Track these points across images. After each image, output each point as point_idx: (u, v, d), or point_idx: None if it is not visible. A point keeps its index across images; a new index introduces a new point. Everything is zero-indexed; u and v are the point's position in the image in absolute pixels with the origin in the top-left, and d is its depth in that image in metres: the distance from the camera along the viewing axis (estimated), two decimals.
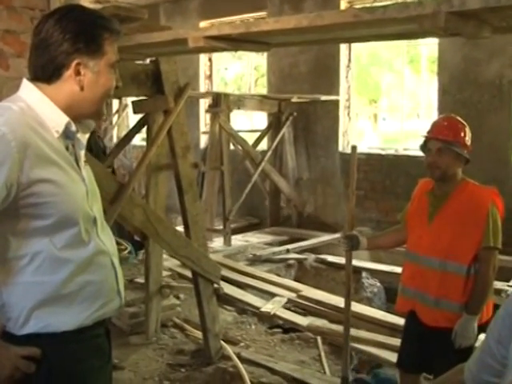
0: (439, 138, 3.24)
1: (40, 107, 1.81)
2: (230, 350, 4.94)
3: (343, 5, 9.05)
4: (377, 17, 2.17)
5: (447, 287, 3.24)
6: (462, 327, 3.19)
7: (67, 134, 1.85)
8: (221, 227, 9.05)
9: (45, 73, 1.82)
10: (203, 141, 11.20)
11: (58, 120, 1.82)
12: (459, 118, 3.39)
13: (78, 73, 1.82)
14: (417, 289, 3.36)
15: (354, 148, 3.91)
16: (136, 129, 5.31)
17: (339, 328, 5.36)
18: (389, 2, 7.89)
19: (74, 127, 1.86)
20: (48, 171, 1.75)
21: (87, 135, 1.99)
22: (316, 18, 2.34)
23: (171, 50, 3.72)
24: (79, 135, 1.92)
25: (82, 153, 1.94)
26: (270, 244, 8.94)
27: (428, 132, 3.35)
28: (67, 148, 1.87)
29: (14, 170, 1.68)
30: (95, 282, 1.89)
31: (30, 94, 1.82)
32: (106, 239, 1.97)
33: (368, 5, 8.46)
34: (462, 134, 3.28)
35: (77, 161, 1.91)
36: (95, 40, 1.82)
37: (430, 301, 3.28)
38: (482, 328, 3.34)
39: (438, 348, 3.33)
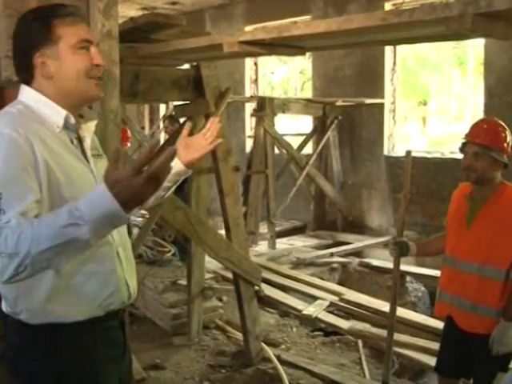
0: (476, 142, 3.19)
1: (37, 106, 1.90)
2: (269, 351, 4.97)
3: (388, 7, 9.01)
4: (404, 19, 2.18)
5: (485, 292, 3.19)
6: (500, 333, 3.14)
7: (68, 127, 1.93)
8: (266, 231, 9.10)
9: (23, 77, 1.95)
10: (249, 145, 11.28)
11: (56, 115, 1.91)
12: (500, 122, 3.32)
13: (43, 65, 1.90)
14: (454, 294, 3.32)
15: (408, 153, 3.85)
16: (178, 132, 5.41)
17: (381, 332, 5.34)
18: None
19: (72, 119, 1.93)
20: (55, 164, 1.82)
21: (93, 127, 2.06)
22: (345, 21, 2.36)
23: (208, 55, 3.78)
24: (84, 127, 2.01)
25: (87, 145, 2.01)
26: (315, 247, 8.95)
27: (466, 135, 3.31)
28: (72, 141, 1.95)
29: (32, 164, 1.76)
30: (101, 272, 1.94)
31: (27, 95, 1.93)
32: (116, 231, 1.95)
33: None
34: (501, 139, 3.21)
35: (84, 153, 1.98)
36: (44, 29, 1.89)
37: (468, 306, 3.24)
38: None
39: (476, 354, 3.29)
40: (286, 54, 3.39)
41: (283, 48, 3.13)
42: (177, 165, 2.23)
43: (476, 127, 3.32)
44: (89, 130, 2.04)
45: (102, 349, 1.98)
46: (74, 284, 1.89)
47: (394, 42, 3.60)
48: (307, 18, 10.31)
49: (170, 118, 8.72)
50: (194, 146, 2.28)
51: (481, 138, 3.18)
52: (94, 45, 1.97)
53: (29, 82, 1.94)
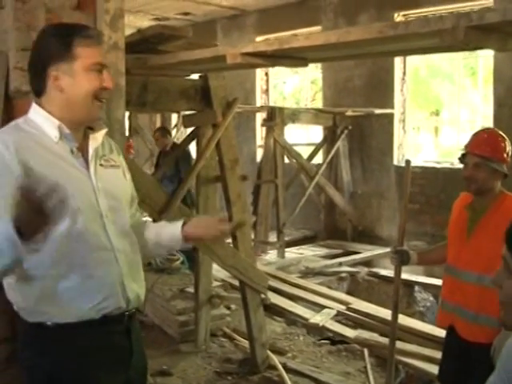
0: (476, 153, 3.20)
1: (37, 119, 2.03)
2: (275, 359, 5.00)
3: (397, 17, 9.07)
4: (400, 32, 2.23)
5: (486, 302, 3.20)
6: (501, 343, 3.15)
7: (66, 137, 2.03)
8: (275, 240, 9.14)
9: (35, 87, 2.06)
10: (260, 154, 11.34)
11: (51, 126, 2.02)
12: (500, 132, 3.33)
13: (56, 78, 2.00)
14: (456, 303, 3.32)
15: (407, 162, 3.87)
16: (187, 142, 5.50)
17: (386, 341, 5.34)
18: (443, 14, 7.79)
19: (66, 130, 2.02)
20: (39, 170, 1.91)
21: (100, 137, 2.14)
22: (343, 34, 2.42)
23: (214, 66, 3.86)
24: (92, 137, 2.10)
25: (90, 152, 2.09)
26: (324, 257, 8.97)
27: (466, 145, 3.33)
28: (72, 151, 2.04)
29: (16, 173, 1.85)
30: (95, 277, 1.99)
31: (32, 111, 2.06)
32: (115, 236, 2.06)
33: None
34: (501, 149, 3.22)
35: (87, 160, 2.07)
36: (64, 45, 2.00)
37: (469, 315, 3.24)
38: None
39: (478, 363, 3.28)
40: (289, 65, 3.45)
41: (286, 59, 3.19)
42: (175, 230, 2.26)
43: (475, 138, 3.31)
44: (96, 140, 2.12)
45: (98, 352, 2.01)
46: (67, 287, 1.95)
47: (394, 54, 3.65)
48: (318, 28, 10.38)
49: (161, 130, 8.81)
50: (203, 225, 2.29)
51: (481, 149, 3.19)
52: (106, 68, 2.07)
53: (40, 92, 2.04)
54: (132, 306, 2.13)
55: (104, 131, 2.17)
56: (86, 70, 2.01)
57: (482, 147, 3.20)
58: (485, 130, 3.55)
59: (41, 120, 2.02)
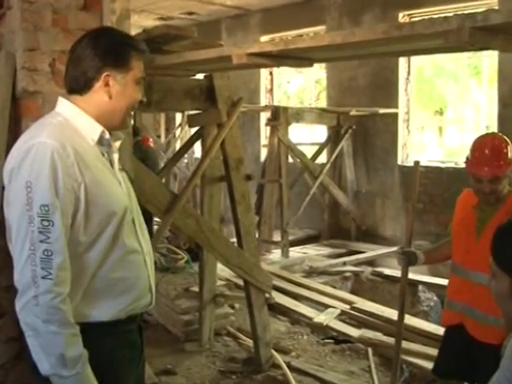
0: (489, 177, 3.14)
1: (76, 119, 2.00)
2: (279, 358, 5.02)
3: (401, 17, 9.07)
4: (405, 33, 2.24)
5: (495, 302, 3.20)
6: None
7: (102, 142, 2.04)
8: (279, 239, 9.15)
9: (78, 84, 2.01)
10: (264, 154, 11.36)
11: (92, 129, 2.01)
12: (499, 138, 3.27)
13: (106, 84, 2.00)
14: (465, 303, 3.31)
15: (416, 163, 3.85)
16: (191, 142, 5.51)
17: (390, 340, 5.36)
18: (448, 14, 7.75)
19: (107, 135, 2.04)
20: (91, 173, 1.93)
21: (118, 145, 2.16)
22: (348, 35, 2.43)
23: (219, 66, 3.88)
24: (112, 143, 2.11)
25: (116, 158, 2.11)
26: (328, 256, 8.99)
27: (471, 160, 3.24)
28: (103, 154, 2.06)
29: (71, 174, 1.86)
30: (129, 278, 2.03)
31: (66, 108, 2.03)
32: (143, 239, 2.11)
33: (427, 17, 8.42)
34: (507, 158, 3.18)
35: (112, 165, 2.09)
36: (122, 55, 2.01)
37: (479, 316, 3.23)
38: None
39: (486, 362, 3.28)
40: (294, 65, 3.47)
41: (291, 60, 3.21)
42: None
43: (481, 155, 3.20)
44: (116, 147, 2.14)
45: (121, 350, 2.06)
46: (103, 288, 1.98)
47: (399, 54, 3.67)
48: (322, 28, 10.39)
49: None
50: None
51: (494, 171, 3.13)
52: (143, 82, 2.11)
53: (80, 91, 2.02)
54: (152, 306, 2.18)
55: (121, 142, 2.18)
56: (134, 82, 2.05)
57: (493, 169, 3.14)
58: (485, 145, 3.27)
59: (82, 121, 2.00)
